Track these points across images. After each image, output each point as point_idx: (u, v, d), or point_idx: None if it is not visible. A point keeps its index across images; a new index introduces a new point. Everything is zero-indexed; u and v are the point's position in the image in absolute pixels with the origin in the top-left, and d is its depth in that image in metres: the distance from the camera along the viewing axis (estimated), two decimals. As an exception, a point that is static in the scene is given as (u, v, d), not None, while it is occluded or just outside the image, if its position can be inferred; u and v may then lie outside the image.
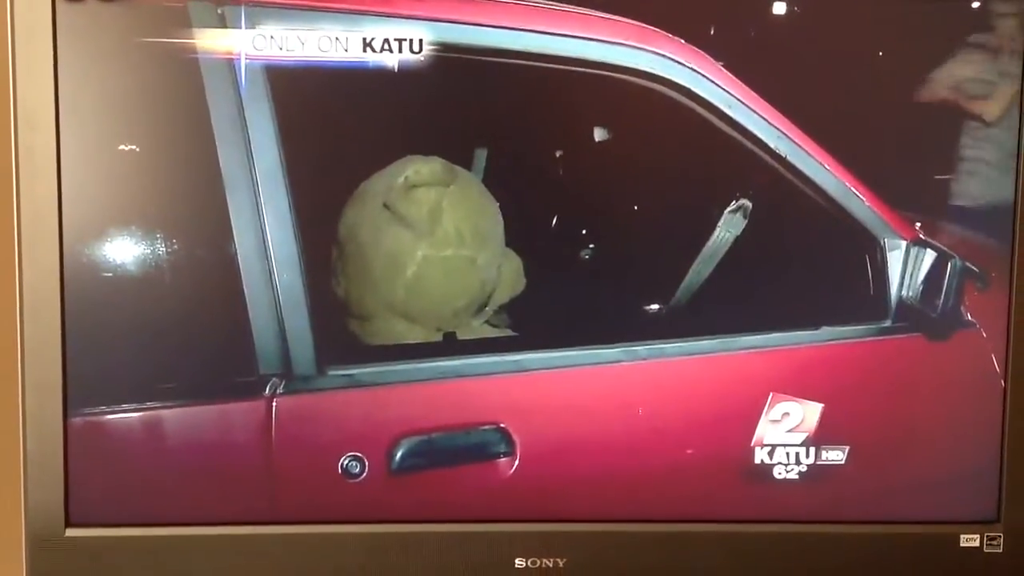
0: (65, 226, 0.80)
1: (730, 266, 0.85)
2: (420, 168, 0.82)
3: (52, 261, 0.80)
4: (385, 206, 0.83)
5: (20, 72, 0.78)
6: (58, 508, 0.81)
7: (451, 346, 0.85)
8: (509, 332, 0.86)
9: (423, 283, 0.84)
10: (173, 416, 0.82)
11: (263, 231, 0.80)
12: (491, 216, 0.84)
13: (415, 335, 0.84)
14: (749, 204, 0.84)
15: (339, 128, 0.82)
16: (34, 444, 0.81)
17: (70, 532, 0.82)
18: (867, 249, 0.87)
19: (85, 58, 0.78)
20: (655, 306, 0.85)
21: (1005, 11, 0.82)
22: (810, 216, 0.85)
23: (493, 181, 0.84)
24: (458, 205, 0.84)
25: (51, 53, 0.78)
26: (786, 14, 0.82)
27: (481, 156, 0.84)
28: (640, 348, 0.85)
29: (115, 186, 0.80)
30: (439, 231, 0.84)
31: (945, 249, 0.86)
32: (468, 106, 0.83)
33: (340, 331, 0.84)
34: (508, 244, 0.85)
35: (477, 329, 0.86)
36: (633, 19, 0.81)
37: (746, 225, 0.84)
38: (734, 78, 0.82)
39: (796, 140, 0.83)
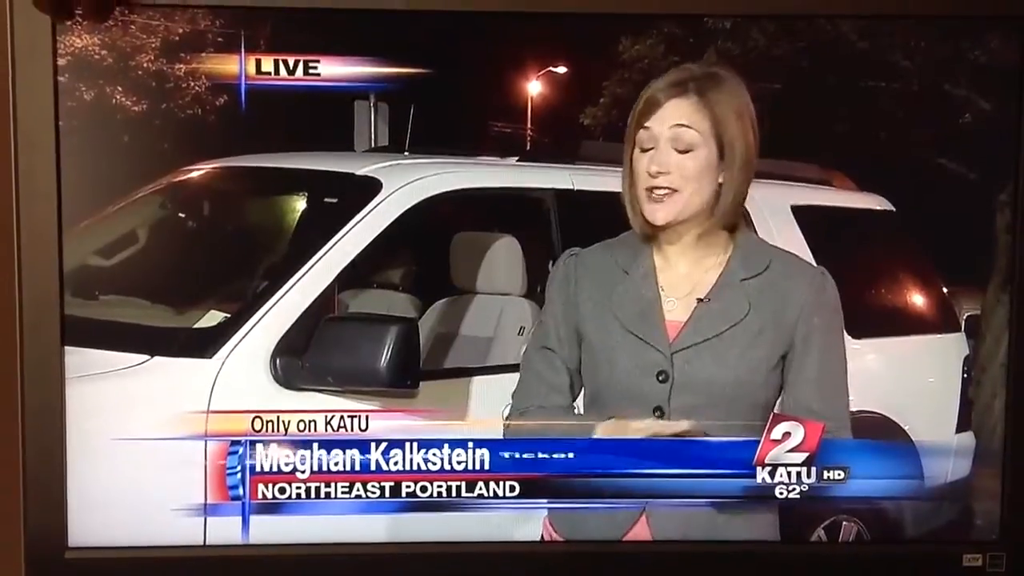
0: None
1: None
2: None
3: (52, 280, 0.79)
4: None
5: (20, 93, 0.78)
6: (59, 530, 0.81)
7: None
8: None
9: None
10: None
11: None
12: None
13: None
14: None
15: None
16: (34, 467, 0.80)
17: (70, 554, 0.81)
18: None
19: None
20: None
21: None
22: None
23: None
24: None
25: (51, 74, 0.78)
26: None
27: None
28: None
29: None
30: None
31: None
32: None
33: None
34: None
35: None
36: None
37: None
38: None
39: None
